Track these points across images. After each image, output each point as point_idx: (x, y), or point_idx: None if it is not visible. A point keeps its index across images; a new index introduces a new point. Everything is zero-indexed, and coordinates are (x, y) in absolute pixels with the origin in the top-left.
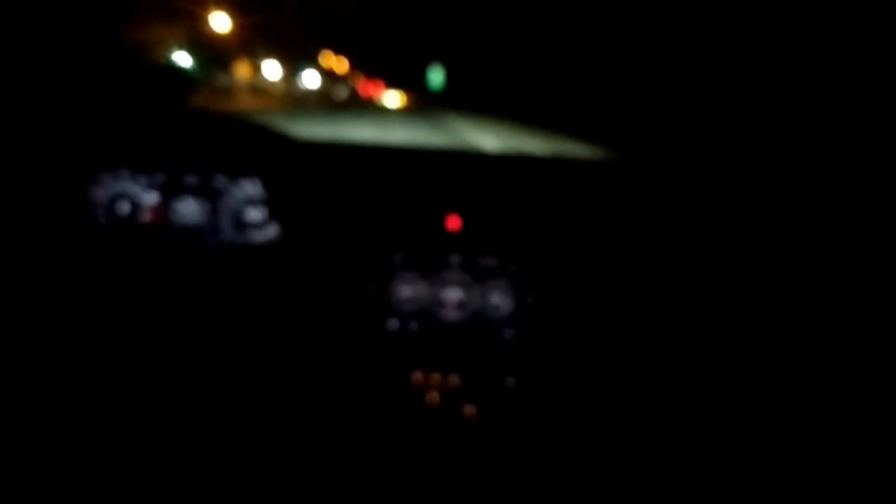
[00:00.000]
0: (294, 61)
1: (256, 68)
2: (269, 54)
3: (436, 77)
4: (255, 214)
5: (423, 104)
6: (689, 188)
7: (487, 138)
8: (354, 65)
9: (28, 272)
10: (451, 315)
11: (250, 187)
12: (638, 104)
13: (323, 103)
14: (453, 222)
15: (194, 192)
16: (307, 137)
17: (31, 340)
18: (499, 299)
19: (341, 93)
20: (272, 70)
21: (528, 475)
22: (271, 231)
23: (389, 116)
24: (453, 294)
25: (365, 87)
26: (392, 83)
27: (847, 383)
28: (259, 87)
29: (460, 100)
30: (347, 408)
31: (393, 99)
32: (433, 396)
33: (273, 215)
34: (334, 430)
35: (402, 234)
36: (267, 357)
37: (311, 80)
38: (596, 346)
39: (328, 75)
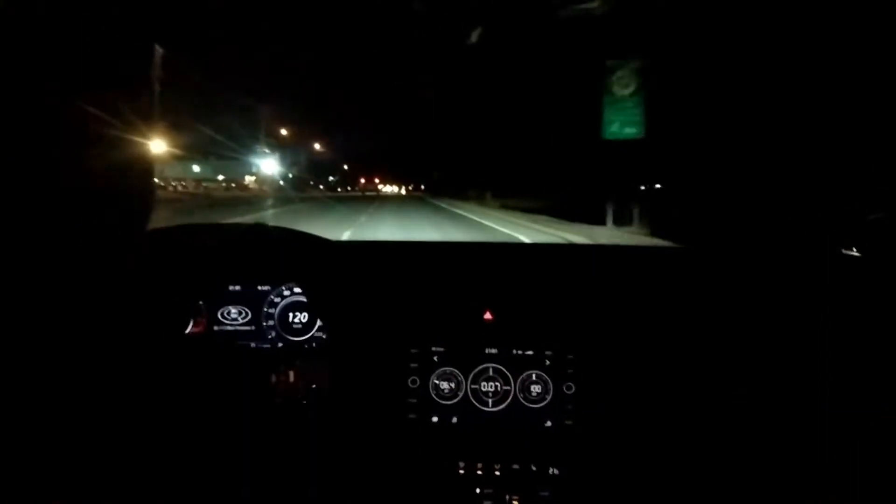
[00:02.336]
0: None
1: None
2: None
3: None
4: (296, 318)
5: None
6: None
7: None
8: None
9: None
10: (491, 407)
11: (291, 292)
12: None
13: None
14: (488, 315)
15: (237, 299)
16: (343, 239)
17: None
18: (537, 390)
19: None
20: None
21: None
22: (312, 333)
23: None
24: (492, 386)
25: (359, 182)
26: (389, 179)
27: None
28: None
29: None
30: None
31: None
32: (477, 488)
33: (314, 318)
34: None
35: (440, 330)
36: (316, 459)
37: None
38: (637, 431)
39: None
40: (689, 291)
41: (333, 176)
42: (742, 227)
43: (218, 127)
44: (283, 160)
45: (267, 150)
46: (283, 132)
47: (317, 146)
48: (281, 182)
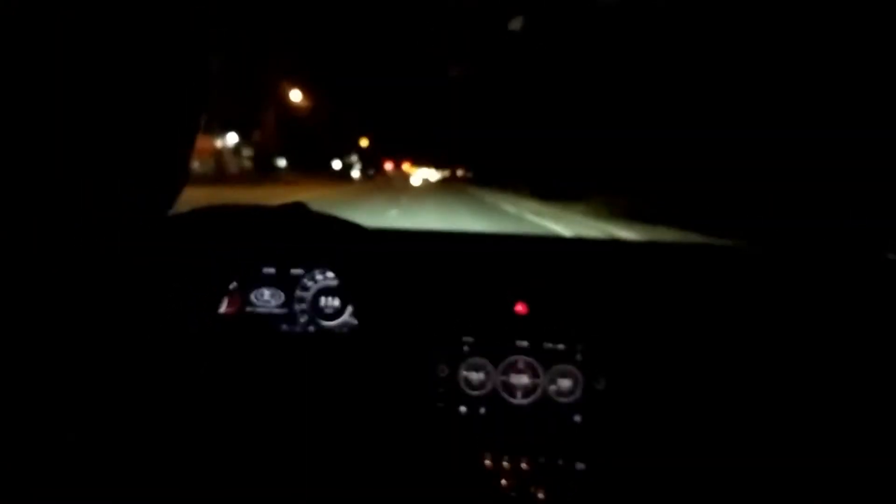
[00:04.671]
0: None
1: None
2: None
3: None
4: (329, 303)
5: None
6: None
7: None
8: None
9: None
10: (519, 400)
11: (324, 276)
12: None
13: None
14: (521, 307)
15: (271, 282)
16: (378, 226)
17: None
18: (567, 384)
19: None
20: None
21: None
22: (344, 318)
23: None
24: (522, 379)
25: (386, 163)
26: (419, 160)
27: None
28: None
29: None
30: (418, 492)
31: (425, 174)
32: (503, 480)
33: (346, 303)
34: None
35: (471, 320)
36: (341, 443)
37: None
38: (665, 432)
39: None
40: (728, 292)
41: (346, 154)
42: (788, 228)
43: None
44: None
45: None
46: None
47: (295, 96)
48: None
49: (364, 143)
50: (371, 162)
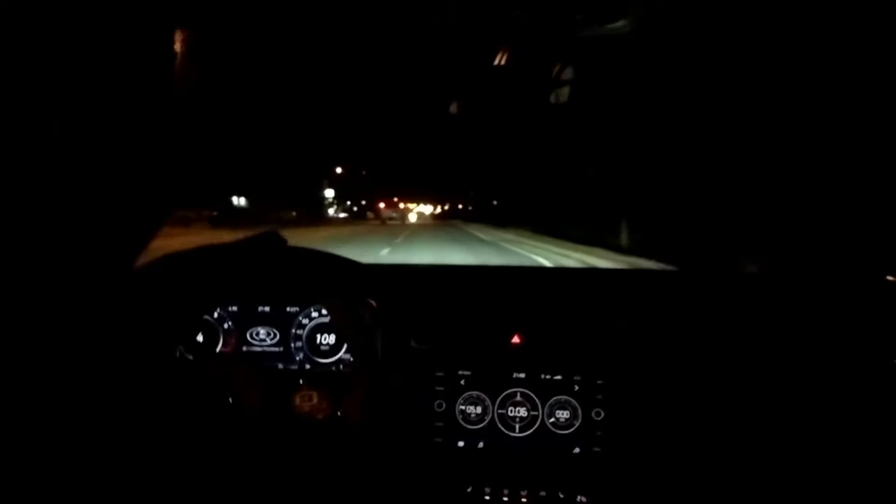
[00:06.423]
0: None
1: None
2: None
3: None
4: (324, 340)
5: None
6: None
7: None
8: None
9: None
10: (518, 432)
11: (319, 314)
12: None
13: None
14: (517, 339)
15: (266, 320)
16: (371, 262)
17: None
18: (565, 416)
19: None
20: None
21: None
22: (340, 355)
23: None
24: (519, 411)
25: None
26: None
27: None
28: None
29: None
30: None
31: (418, 210)
32: None
33: (341, 340)
34: None
35: (467, 353)
36: (341, 479)
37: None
38: (666, 459)
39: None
40: (722, 319)
41: (320, 191)
42: (777, 252)
43: None
44: None
45: None
46: None
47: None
48: None
49: (339, 170)
50: (359, 196)
